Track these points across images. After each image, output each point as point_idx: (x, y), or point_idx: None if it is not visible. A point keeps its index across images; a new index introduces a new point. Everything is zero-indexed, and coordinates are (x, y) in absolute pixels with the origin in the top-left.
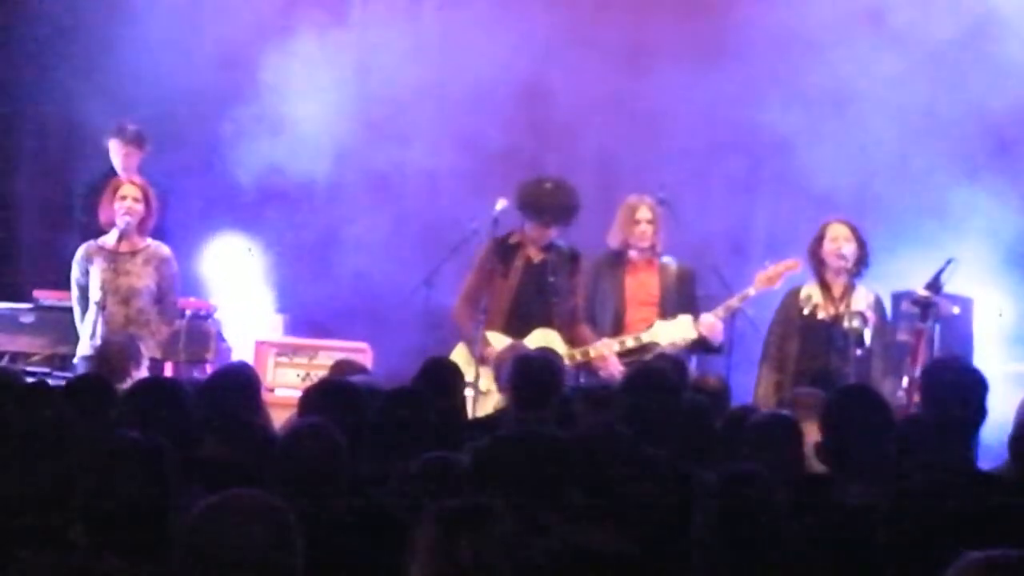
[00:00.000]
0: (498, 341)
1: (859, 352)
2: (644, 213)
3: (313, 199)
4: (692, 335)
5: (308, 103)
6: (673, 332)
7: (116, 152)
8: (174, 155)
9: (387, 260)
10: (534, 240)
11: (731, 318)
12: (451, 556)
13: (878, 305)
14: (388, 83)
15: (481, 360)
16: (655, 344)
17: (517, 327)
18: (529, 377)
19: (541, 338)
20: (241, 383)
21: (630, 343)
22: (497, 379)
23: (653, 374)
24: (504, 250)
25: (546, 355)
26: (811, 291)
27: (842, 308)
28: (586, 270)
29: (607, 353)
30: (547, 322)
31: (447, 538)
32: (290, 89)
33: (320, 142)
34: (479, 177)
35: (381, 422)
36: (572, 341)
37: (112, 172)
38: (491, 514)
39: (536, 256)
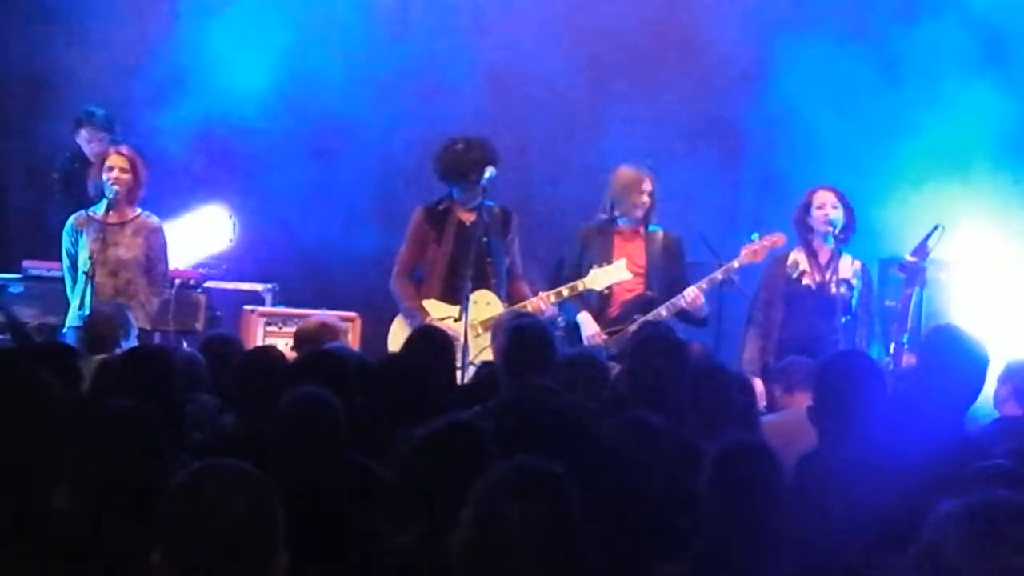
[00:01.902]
0: (434, 309)
1: (844, 319)
2: (648, 185)
3: (274, 164)
4: (626, 276)
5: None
6: (609, 276)
7: (87, 139)
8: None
9: (369, 228)
10: (463, 202)
11: (718, 288)
12: (498, 519)
13: (864, 273)
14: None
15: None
16: (592, 291)
17: (454, 291)
18: (522, 346)
19: (480, 300)
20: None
21: (566, 292)
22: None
23: (659, 340)
24: (436, 217)
25: (540, 324)
26: (797, 257)
27: (828, 275)
28: (572, 239)
29: (543, 306)
30: (484, 283)
31: (497, 500)
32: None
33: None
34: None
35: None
36: (510, 298)
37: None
38: (548, 477)
39: (467, 219)
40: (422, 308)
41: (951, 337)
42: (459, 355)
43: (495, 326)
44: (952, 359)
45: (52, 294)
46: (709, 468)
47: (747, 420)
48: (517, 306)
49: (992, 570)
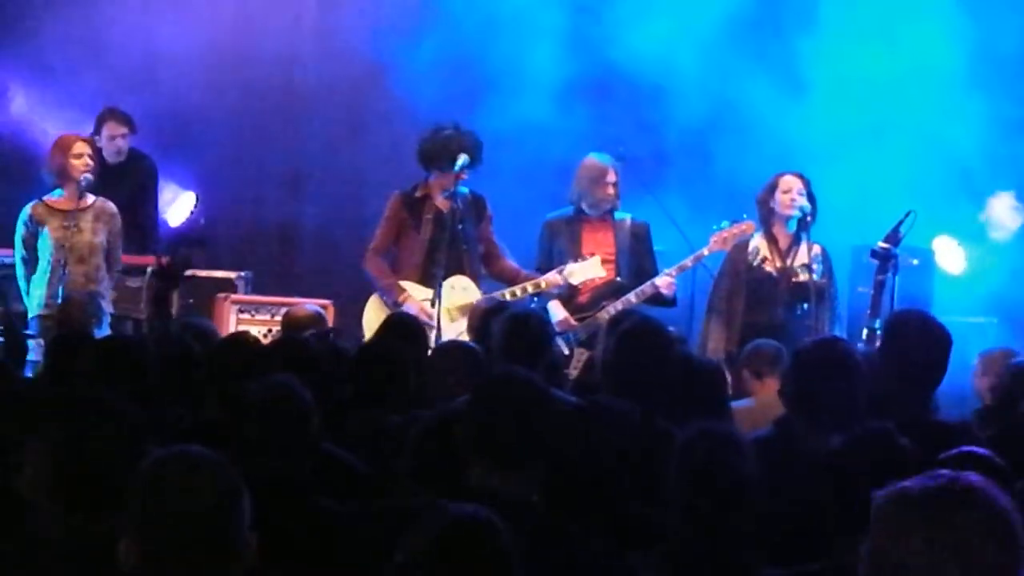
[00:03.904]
0: (413, 292)
1: (807, 305)
2: (612, 176)
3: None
4: (601, 273)
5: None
6: (585, 271)
7: (108, 136)
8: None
9: (345, 213)
10: (442, 187)
11: (691, 273)
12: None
13: (824, 257)
14: None
15: (395, 306)
16: (569, 284)
17: (432, 277)
18: (523, 334)
19: (457, 285)
20: None
21: (543, 286)
22: (471, 330)
23: (645, 331)
24: (412, 204)
25: (538, 313)
26: (758, 244)
27: (789, 261)
28: (541, 230)
29: (520, 293)
30: (459, 270)
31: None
32: None
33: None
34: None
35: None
36: (500, 276)
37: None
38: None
39: (444, 206)
40: (397, 284)
41: (912, 320)
42: (432, 340)
43: (473, 312)
44: (913, 342)
45: (16, 282)
46: (675, 457)
47: (719, 408)
48: (496, 293)
49: (914, 554)
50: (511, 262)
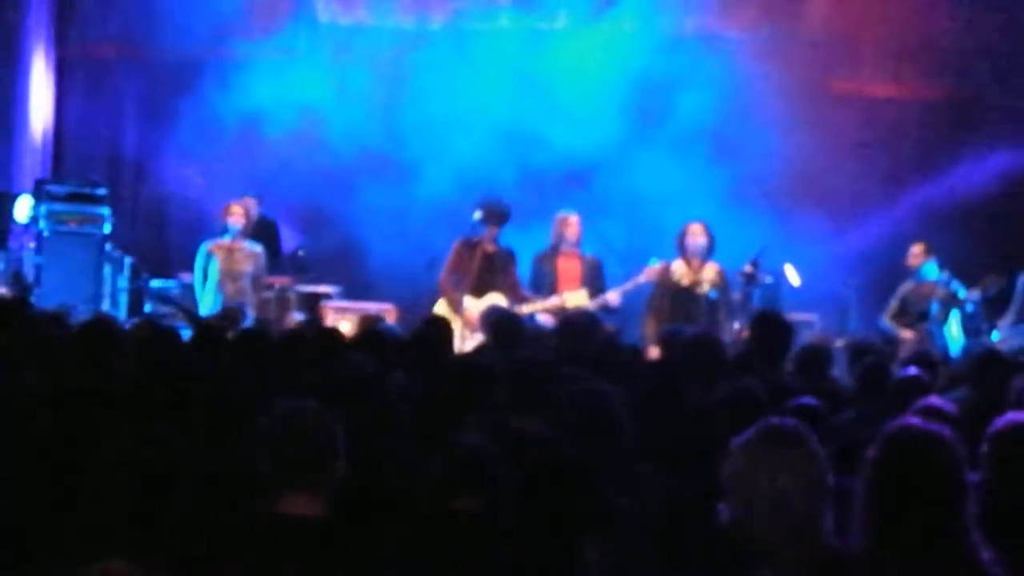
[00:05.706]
0: (469, 303)
1: (708, 307)
2: (575, 219)
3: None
4: (587, 301)
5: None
6: (578, 299)
7: (251, 208)
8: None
9: (401, 244)
10: (491, 237)
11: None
12: None
13: (723, 274)
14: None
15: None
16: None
17: (478, 292)
18: (501, 324)
19: (493, 299)
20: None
21: (548, 305)
22: (481, 327)
23: (576, 321)
24: (469, 246)
25: (513, 311)
26: (677, 266)
27: (698, 276)
28: (528, 260)
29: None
30: (495, 290)
31: None
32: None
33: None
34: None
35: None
36: (522, 299)
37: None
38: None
39: (489, 249)
40: (459, 300)
41: (769, 316)
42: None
43: (480, 315)
44: (770, 330)
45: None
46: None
47: (636, 373)
48: (516, 307)
49: (759, 465)
50: (527, 292)
